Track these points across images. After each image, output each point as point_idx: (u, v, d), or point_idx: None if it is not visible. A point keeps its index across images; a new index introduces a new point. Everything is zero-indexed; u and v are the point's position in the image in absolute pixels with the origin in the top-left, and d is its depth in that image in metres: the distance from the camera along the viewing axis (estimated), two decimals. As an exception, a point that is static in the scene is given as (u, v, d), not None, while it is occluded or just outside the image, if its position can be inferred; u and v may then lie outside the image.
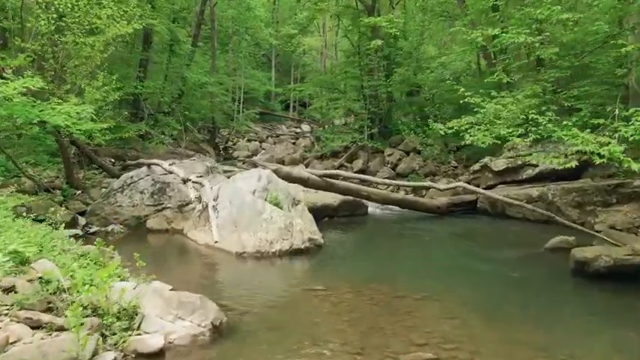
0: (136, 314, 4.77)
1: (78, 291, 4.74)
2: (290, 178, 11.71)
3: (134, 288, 5.12)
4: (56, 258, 5.69)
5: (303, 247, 8.96)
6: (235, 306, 6.13)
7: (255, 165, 11.82)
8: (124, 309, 4.72)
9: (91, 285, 4.81)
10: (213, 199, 9.93)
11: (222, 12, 31.77)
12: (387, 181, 15.18)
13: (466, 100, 11.13)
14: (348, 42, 26.38)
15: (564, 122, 9.22)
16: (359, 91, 22.67)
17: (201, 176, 11.05)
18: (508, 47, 13.26)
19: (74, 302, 4.50)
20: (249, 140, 33.78)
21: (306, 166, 21.51)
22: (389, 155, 20.11)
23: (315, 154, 21.50)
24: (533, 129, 9.77)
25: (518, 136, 9.97)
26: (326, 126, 28.90)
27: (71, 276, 5.09)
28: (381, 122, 21.58)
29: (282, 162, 22.81)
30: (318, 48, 33.51)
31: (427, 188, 14.75)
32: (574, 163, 9.48)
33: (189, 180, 10.48)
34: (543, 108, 10.00)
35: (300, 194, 10.45)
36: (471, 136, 10.26)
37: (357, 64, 21.81)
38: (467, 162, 18.43)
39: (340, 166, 20.77)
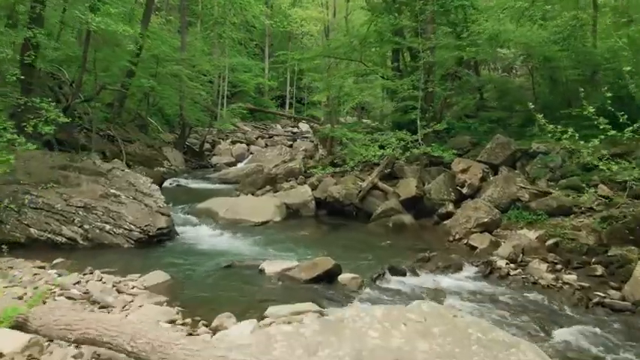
0: None
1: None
2: None
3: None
4: None
5: None
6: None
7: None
8: None
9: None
10: None
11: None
12: None
13: None
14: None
15: None
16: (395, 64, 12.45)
17: None
18: None
19: None
20: (233, 142, 23.61)
21: (314, 187, 11.37)
22: (462, 172, 9.98)
23: (328, 169, 11.12)
24: None
25: None
26: (335, 124, 18.78)
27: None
28: (435, 116, 11.43)
29: (273, 179, 12.59)
30: (321, 24, 23.33)
31: None
32: None
33: None
34: None
35: None
36: None
37: (398, 18, 11.50)
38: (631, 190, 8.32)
39: (372, 189, 10.65)
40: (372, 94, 17.54)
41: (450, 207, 9.59)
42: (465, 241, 7.76)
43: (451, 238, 8.04)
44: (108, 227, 7.86)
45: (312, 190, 11.34)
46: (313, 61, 14.22)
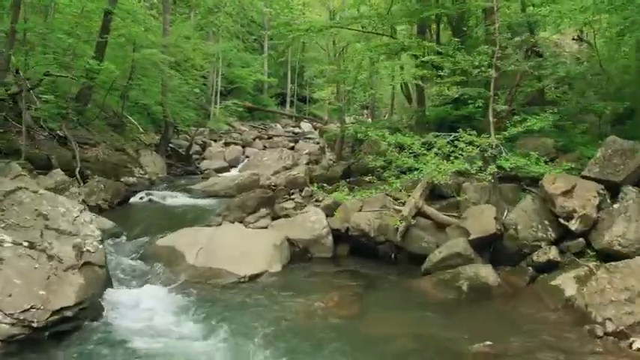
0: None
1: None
2: None
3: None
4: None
5: None
6: None
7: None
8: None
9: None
10: None
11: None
12: None
13: None
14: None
15: None
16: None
17: None
18: None
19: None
20: (227, 144, 19.64)
21: (330, 213, 7.42)
22: (563, 194, 6.03)
23: (360, 194, 6.96)
24: None
25: None
26: (343, 124, 14.87)
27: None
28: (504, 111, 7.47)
29: (271, 199, 8.61)
30: (325, 12, 19.47)
31: None
32: None
33: None
34: None
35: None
36: None
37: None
38: None
39: (415, 215, 6.74)
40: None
41: (553, 253, 5.71)
42: (636, 345, 3.84)
43: (599, 332, 4.09)
44: (-48, 315, 3.95)
45: (327, 216, 7.42)
46: (323, 33, 10.01)
